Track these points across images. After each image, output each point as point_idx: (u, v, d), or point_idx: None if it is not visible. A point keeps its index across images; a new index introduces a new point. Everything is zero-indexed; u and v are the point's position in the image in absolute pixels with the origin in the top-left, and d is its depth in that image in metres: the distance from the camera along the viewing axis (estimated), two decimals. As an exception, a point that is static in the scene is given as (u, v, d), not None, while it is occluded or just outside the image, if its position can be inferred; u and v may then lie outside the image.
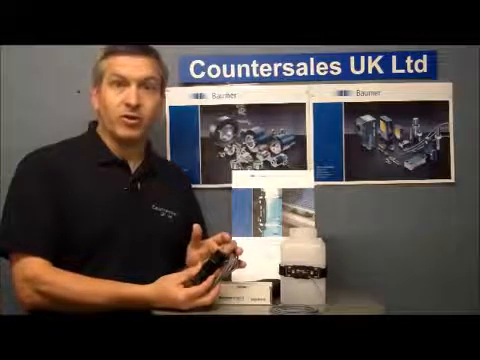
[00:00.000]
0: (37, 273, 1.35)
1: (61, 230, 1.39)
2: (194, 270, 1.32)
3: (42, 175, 1.42)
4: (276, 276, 1.38)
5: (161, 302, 1.30)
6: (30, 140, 1.60)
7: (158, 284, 1.32)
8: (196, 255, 1.47)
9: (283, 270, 1.36)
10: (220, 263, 1.33)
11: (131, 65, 1.46)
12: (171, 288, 1.30)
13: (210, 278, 1.30)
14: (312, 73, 1.80)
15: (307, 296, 1.34)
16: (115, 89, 1.46)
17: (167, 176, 1.60)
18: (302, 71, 1.80)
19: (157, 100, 1.51)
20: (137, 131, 1.48)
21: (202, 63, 1.80)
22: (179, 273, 1.33)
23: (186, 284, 1.30)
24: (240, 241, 1.45)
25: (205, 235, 1.58)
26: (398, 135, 1.80)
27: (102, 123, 1.51)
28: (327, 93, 1.80)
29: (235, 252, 1.39)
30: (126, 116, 1.46)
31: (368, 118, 1.80)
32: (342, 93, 1.80)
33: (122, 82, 1.46)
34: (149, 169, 1.54)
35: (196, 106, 1.79)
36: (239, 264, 1.39)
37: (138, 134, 1.49)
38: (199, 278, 1.30)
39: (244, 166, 1.79)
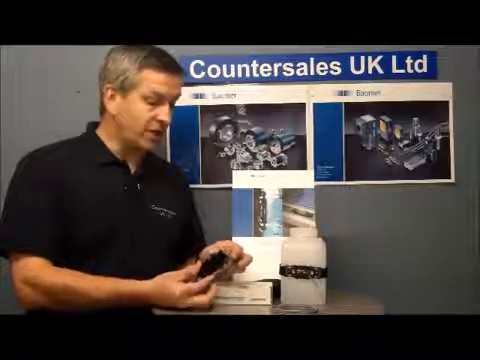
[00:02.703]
0: (36, 273, 1.35)
1: (60, 229, 1.39)
2: (193, 269, 1.32)
3: (41, 175, 1.41)
4: (276, 276, 1.38)
5: (159, 298, 1.30)
6: (30, 140, 1.60)
7: (157, 280, 1.32)
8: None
9: (283, 270, 1.36)
10: (220, 263, 1.33)
11: (170, 84, 1.46)
12: (169, 284, 1.30)
13: (208, 277, 1.30)
14: (312, 73, 1.80)
15: (307, 296, 1.34)
16: (148, 104, 1.46)
17: (166, 176, 1.61)
18: (302, 71, 1.80)
19: None
20: (158, 143, 1.53)
21: (202, 63, 1.80)
22: (178, 271, 1.34)
23: (185, 282, 1.30)
24: (240, 241, 1.45)
25: (203, 236, 1.58)
26: (398, 135, 1.80)
27: (113, 128, 1.50)
28: (327, 93, 1.80)
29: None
30: (154, 131, 1.47)
31: (368, 118, 1.80)
32: (342, 93, 1.80)
33: (158, 100, 1.46)
34: (148, 169, 1.55)
35: (196, 106, 1.80)
36: (235, 265, 1.38)
37: (158, 145, 1.53)
38: (198, 277, 1.30)
39: (244, 166, 1.79)
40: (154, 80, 1.45)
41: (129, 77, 1.45)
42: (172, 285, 1.30)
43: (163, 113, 1.47)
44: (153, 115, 1.46)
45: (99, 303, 1.32)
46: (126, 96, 1.46)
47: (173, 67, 1.48)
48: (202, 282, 1.30)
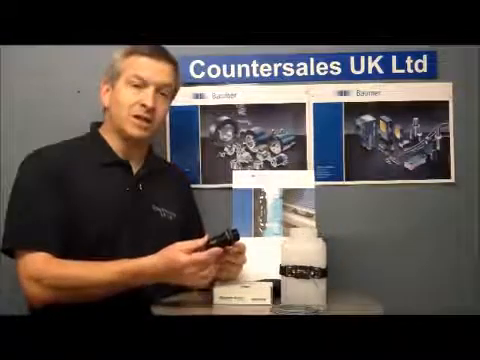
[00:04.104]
0: (40, 269, 1.35)
1: (63, 227, 1.39)
2: (200, 241, 1.31)
3: (43, 175, 1.42)
4: (276, 276, 1.38)
5: (164, 269, 1.30)
6: (30, 140, 1.60)
7: (161, 252, 1.32)
8: None
9: (283, 270, 1.36)
10: (230, 241, 1.33)
11: (153, 68, 1.47)
12: (174, 252, 1.30)
13: (216, 249, 1.30)
14: (312, 73, 1.80)
15: (307, 296, 1.33)
16: (132, 89, 1.47)
17: (167, 177, 1.61)
18: (302, 71, 1.80)
19: (167, 107, 1.54)
20: (146, 132, 1.49)
21: (202, 63, 1.80)
22: (184, 242, 1.32)
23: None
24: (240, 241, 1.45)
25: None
26: (398, 135, 1.80)
27: (110, 122, 1.51)
28: (327, 93, 1.80)
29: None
30: (139, 117, 1.47)
31: (368, 118, 1.80)
32: (342, 93, 1.80)
33: (140, 84, 1.46)
34: (150, 170, 1.55)
35: (196, 106, 1.80)
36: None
37: (147, 135, 1.50)
38: (205, 248, 1.30)
39: (244, 166, 1.79)
40: (136, 64, 1.47)
41: (117, 66, 1.48)
42: (177, 254, 1.29)
43: (146, 97, 1.46)
44: (137, 100, 1.46)
45: (107, 286, 1.32)
46: (115, 86, 1.49)
47: (158, 53, 1.48)
48: (207, 252, 1.29)
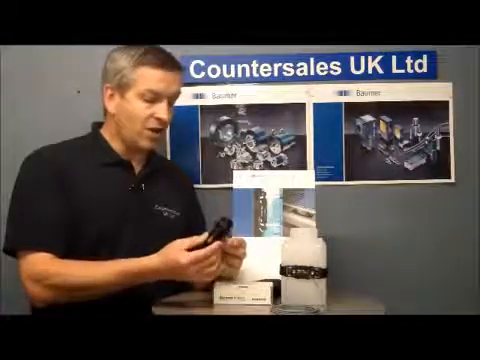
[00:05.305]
0: (42, 268, 1.36)
1: (65, 227, 1.39)
2: (199, 238, 1.31)
3: (44, 175, 1.42)
4: (276, 276, 1.38)
5: (167, 271, 1.30)
6: (30, 140, 1.60)
7: (162, 253, 1.32)
8: None
9: (284, 270, 1.36)
10: (226, 231, 1.33)
11: (165, 81, 1.46)
12: (174, 254, 1.29)
13: (214, 244, 1.29)
14: (312, 73, 1.80)
15: (307, 296, 1.34)
16: (145, 103, 1.46)
17: (170, 176, 1.61)
18: (302, 71, 1.80)
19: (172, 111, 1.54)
20: (159, 142, 1.52)
21: (202, 63, 1.80)
22: (184, 239, 1.32)
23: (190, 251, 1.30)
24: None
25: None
26: (398, 135, 1.80)
27: (114, 128, 1.51)
28: (327, 93, 1.80)
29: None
30: (153, 129, 1.47)
31: (368, 118, 1.80)
32: (342, 93, 1.80)
33: (154, 98, 1.46)
34: (153, 170, 1.55)
35: (196, 106, 1.80)
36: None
37: (159, 144, 1.53)
38: (205, 245, 1.30)
39: (244, 166, 1.79)
40: (149, 77, 1.45)
41: (126, 75, 1.46)
42: (177, 255, 1.28)
43: (161, 111, 1.46)
44: (151, 113, 1.46)
45: (107, 286, 1.33)
46: (124, 95, 1.47)
47: (169, 64, 1.47)
48: (207, 249, 1.28)
